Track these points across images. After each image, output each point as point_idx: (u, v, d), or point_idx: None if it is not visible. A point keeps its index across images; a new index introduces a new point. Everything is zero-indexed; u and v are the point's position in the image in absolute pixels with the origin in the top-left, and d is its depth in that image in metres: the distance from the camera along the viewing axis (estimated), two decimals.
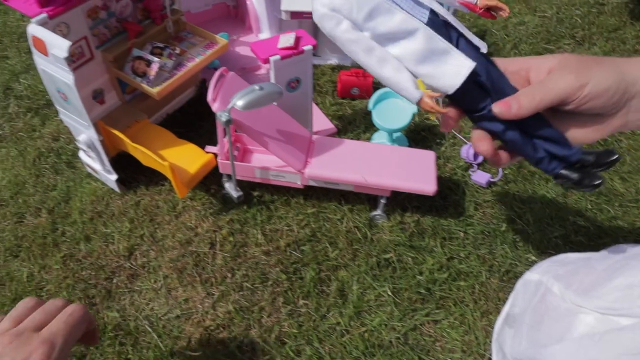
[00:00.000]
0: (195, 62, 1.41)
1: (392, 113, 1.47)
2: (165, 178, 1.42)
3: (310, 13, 1.61)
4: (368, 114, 1.68)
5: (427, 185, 1.28)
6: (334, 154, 1.32)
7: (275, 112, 1.27)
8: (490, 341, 1.17)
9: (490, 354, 1.12)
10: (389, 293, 1.26)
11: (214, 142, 1.46)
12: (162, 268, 1.27)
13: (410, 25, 0.46)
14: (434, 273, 1.30)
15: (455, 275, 1.30)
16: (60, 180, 1.48)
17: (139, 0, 1.38)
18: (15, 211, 1.41)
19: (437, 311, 1.24)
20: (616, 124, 0.52)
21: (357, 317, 1.21)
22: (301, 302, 1.23)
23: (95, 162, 1.39)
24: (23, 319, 0.55)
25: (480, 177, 1.51)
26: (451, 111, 0.53)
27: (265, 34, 1.90)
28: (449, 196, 1.48)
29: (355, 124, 1.65)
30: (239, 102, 1.09)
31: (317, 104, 1.71)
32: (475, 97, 0.50)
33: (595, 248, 1.41)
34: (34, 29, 1.12)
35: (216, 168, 1.36)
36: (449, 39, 0.48)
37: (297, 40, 1.32)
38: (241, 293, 1.23)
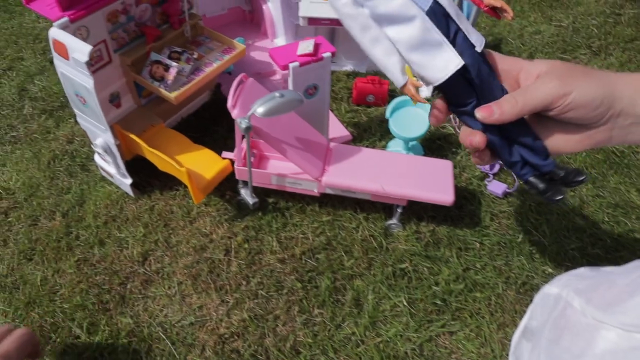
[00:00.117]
0: (212, 67, 1.40)
1: (409, 121, 1.46)
2: (179, 183, 1.41)
3: (327, 19, 1.61)
4: (383, 121, 1.67)
5: (444, 195, 1.27)
6: (352, 162, 1.31)
7: (293, 119, 1.27)
8: (507, 354, 1.15)
9: None
10: (405, 303, 1.24)
11: (229, 147, 1.45)
12: (176, 274, 1.26)
13: (409, 11, 0.46)
14: (449, 284, 1.29)
15: (471, 286, 1.29)
16: (74, 183, 1.48)
17: (158, 4, 1.38)
18: (30, 214, 1.40)
19: (452, 322, 1.22)
20: (599, 138, 0.52)
21: (373, 327, 1.20)
22: (316, 311, 1.21)
23: (110, 166, 1.38)
24: None
25: (496, 187, 1.50)
26: (439, 103, 0.53)
27: (280, 39, 1.90)
28: (465, 206, 1.46)
29: (370, 132, 1.64)
30: (259, 109, 1.08)
31: (332, 110, 1.70)
32: (461, 92, 0.51)
33: (613, 261, 1.40)
34: (56, 33, 1.12)
35: (231, 174, 1.35)
36: (447, 31, 0.48)
37: (317, 47, 1.31)
38: (256, 301, 1.22)
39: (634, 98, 0.50)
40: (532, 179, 0.55)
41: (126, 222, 1.37)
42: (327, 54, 1.31)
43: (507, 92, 0.52)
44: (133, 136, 1.28)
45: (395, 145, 1.58)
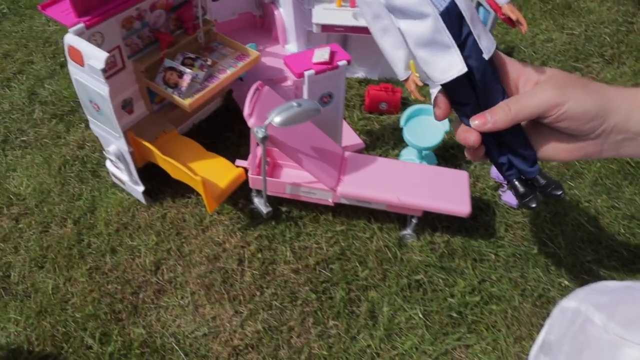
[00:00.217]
0: (226, 74, 1.39)
1: (423, 130, 1.45)
2: (191, 190, 1.40)
3: (341, 27, 1.59)
4: (396, 129, 1.66)
5: (461, 206, 1.25)
6: (367, 172, 1.29)
7: (309, 128, 1.25)
8: None
9: None
10: (420, 316, 1.23)
11: (241, 154, 1.44)
12: (189, 284, 1.25)
13: (423, 9, 0.46)
14: (465, 296, 1.27)
15: (487, 298, 1.27)
16: (85, 189, 1.47)
17: (173, 10, 1.37)
18: (41, 220, 1.39)
19: (468, 335, 1.21)
20: (589, 150, 0.52)
21: (388, 340, 1.18)
22: (331, 322, 1.20)
23: (122, 173, 1.37)
24: None
25: (510, 197, 1.48)
26: (441, 98, 0.54)
27: (292, 45, 1.89)
28: (479, 216, 1.45)
29: (383, 140, 1.62)
30: (277, 119, 1.07)
31: (344, 118, 1.69)
32: (462, 93, 0.52)
33: (630, 274, 1.38)
34: (71, 39, 1.11)
35: (244, 182, 1.34)
36: (458, 33, 0.48)
37: (332, 55, 1.30)
38: (270, 312, 1.20)
39: (630, 113, 0.50)
40: (515, 181, 0.57)
41: (138, 230, 1.36)
42: (342, 62, 1.30)
43: (507, 97, 0.53)
44: (147, 144, 1.27)
45: (408, 154, 1.56)
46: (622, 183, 1.57)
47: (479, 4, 1.54)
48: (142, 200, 1.40)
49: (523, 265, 1.35)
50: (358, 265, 1.31)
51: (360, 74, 1.84)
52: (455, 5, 0.47)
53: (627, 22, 2.21)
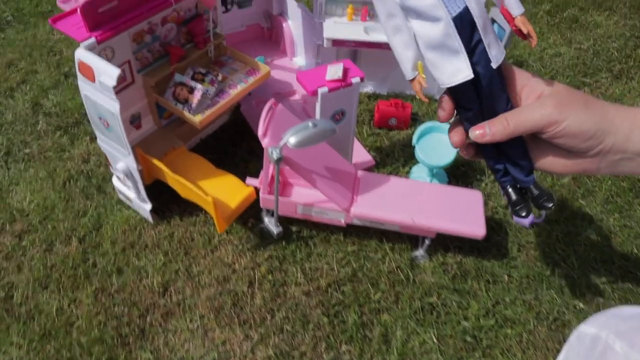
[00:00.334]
0: (237, 89, 1.37)
1: (435, 148, 1.42)
2: (199, 208, 1.37)
3: (352, 41, 1.57)
4: (406, 145, 1.63)
5: (476, 228, 1.23)
6: (380, 192, 1.27)
7: (322, 147, 1.23)
8: None
9: None
10: (434, 340, 1.20)
11: (250, 171, 1.41)
12: (198, 307, 1.21)
13: (436, 13, 0.47)
14: (479, 319, 1.25)
15: (501, 322, 1.25)
16: (90, 205, 1.43)
17: (184, 23, 1.35)
18: (45, 238, 1.36)
19: None
20: (586, 166, 0.53)
21: None
22: (344, 347, 1.17)
23: (130, 191, 1.34)
24: None
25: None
26: (446, 100, 0.54)
27: (300, 58, 1.86)
28: (491, 236, 1.43)
29: (393, 157, 1.60)
30: (292, 140, 1.05)
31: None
32: (467, 98, 0.53)
33: None
34: (82, 54, 1.08)
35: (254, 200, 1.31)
36: (469, 40, 0.49)
37: (345, 71, 1.28)
38: (281, 336, 1.18)
39: (629, 135, 0.50)
40: (509, 188, 0.58)
41: (145, 250, 1.32)
42: (356, 79, 1.28)
43: (512, 108, 0.54)
44: (157, 162, 1.24)
45: (419, 171, 1.54)
46: (633, 201, 1.56)
47: (493, 20, 1.53)
48: (149, 218, 1.36)
49: (537, 286, 1.33)
50: (370, 287, 1.28)
51: (369, 88, 1.81)
52: (469, 11, 0.48)
53: (635, 36, 2.21)
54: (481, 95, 0.53)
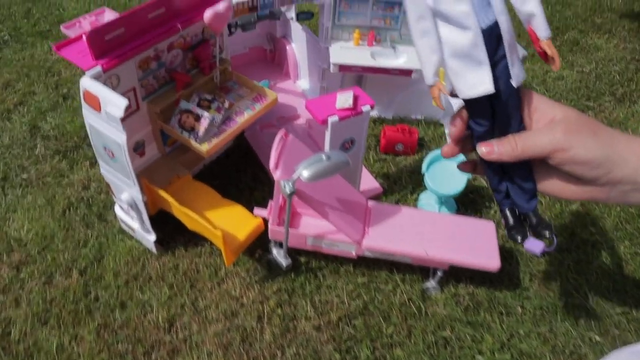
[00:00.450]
0: (244, 117, 1.34)
1: (445, 177, 1.40)
2: (204, 239, 1.33)
3: (359, 67, 1.56)
4: (414, 172, 1.61)
5: (490, 260, 1.21)
6: (391, 224, 1.24)
7: (334, 178, 1.20)
8: None
9: None
10: None
11: (255, 199, 1.38)
12: (205, 343, 1.17)
13: (467, 21, 0.47)
14: (494, 353, 1.22)
15: (517, 356, 1.22)
16: (91, 235, 1.39)
17: (190, 49, 1.32)
18: (44, 269, 1.30)
19: None
20: (596, 194, 0.53)
21: None
22: None
23: (133, 221, 1.30)
24: None
25: (533, 245, 1.43)
26: (459, 117, 0.55)
27: (304, 81, 1.84)
28: (503, 265, 1.39)
29: (401, 183, 1.57)
30: (305, 173, 1.02)
31: None
32: (483, 113, 0.53)
33: None
34: (88, 83, 1.05)
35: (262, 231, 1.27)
36: (494, 53, 0.49)
37: (355, 99, 1.25)
38: None
39: (639, 166, 0.50)
40: (507, 211, 0.57)
41: (149, 282, 1.28)
42: (366, 108, 1.25)
43: (523, 129, 0.54)
44: (163, 193, 1.20)
45: (427, 198, 1.51)
46: None
47: None
48: (153, 249, 1.32)
49: (551, 318, 1.30)
50: (382, 320, 1.24)
51: (374, 112, 1.80)
52: (498, 26, 0.48)
53: (635, 59, 2.22)
54: (495, 113, 0.53)
